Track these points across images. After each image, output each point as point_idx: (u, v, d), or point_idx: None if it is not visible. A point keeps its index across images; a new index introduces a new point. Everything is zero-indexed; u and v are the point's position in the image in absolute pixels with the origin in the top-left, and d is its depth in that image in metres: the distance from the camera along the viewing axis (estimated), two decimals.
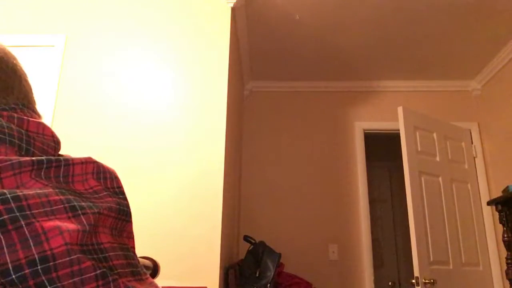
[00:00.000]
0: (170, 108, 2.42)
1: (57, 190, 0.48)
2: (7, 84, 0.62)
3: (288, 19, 2.99)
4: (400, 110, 3.10)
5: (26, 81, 0.68)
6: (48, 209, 0.46)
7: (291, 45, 3.32)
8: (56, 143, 0.61)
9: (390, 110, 3.77)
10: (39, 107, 2.45)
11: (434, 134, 3.27)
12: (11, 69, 0.64)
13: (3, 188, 0.46)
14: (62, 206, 0.47)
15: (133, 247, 0.57)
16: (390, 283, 4.60)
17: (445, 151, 3.32)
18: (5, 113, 0.56)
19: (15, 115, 0.57)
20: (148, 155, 2.34)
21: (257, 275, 2.43)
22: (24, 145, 0.54)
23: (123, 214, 0.56)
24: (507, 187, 2.52)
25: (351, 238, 3.48)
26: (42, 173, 0.50)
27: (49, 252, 0.42)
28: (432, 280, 2.72)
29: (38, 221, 0.44)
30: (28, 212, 0.44)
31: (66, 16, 2.65)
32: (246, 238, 2.67)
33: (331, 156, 3.70)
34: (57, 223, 0.45)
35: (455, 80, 3.78)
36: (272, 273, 2.42)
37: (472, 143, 3.58)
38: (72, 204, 0.48)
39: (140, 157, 2.33)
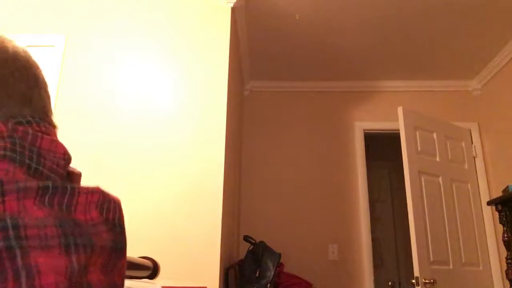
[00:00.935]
0: (170, 108, 2.42)
1: (57, 222, 0.48)
2: (26, 95, 0.61)
3: (288, 19, 2.99)
4: (400, 110, 3.10)
5: (46, 91, 0.67)
6: (44, 242, 0.45)
7: (291, 45, 3.32)
8: (67, 161, 0.60)
9: (390, 110, 3.77)
10: None
11: (434, 134, 3.27)
12: (32, 80, 0.63)
13: (4, 210, 0.46)
14: (58, 241, 0.47)
15: (123, 285, 0.57)
16: (390, 283, 4.59)
17: (445, 151, 3.32)
18: (20, 128, 0.56)
19: (30, 130, 0.57)
20: (148, 155, 2.34)
21: (257, 275, 2.43)
22: (33, 165, 0.53)
23: (117, 251, 0.56)
24: (507, 187, 2.52)
25: (351, 238, 3.48)
26: (46, 200, 0.50)
27: None
28: (432, 280, 2.72)
29: (33, 254, 0.43)
30: (24, 242, 0.44)
31: (66, 16, 2.65)
32: (246, 238, 2.67)
33: (331, 156, 3.70)
34: (50, 259, 0.45)
35: (455, 80, 3.78)
36: (272, 273, 2.42)
37: (472, 143, 3.58)
38: (68, 241, 0.48)
39: (140, 157, 2.33)
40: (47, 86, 0.68)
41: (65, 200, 0.52)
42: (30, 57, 0.66)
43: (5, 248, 0.42)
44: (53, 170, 0.56)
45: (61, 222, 0.49)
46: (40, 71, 0.67)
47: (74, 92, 2.48)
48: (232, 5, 2.64)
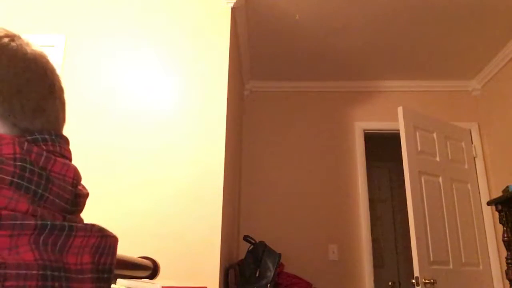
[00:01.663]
0: (170, 108, 2.42)
1: (41, 271, 0.48)
2: (40, 106, 0.60)
3: (288, 19, 2.99)
4: (400, 110, 3.10)
5: (61, 99, 0.65)
6: None
7: (291, 45, 3.32)
8: (75, 186, 0.59)
9: (390, 110, 3.77)
10: None
11: (434, 134, 3.27)
12: (48, 88, 0.62)
13: None
14: None
15: None
16: (390, 283, 4.60)
17: (445, 151, 3.32)
18: (35, 149, 0.55)
19: (44, 153, 0.56)
20: (148, 155, 2.34)
21: (257, 275, 2.43)
22: (40, 191, 0.53)
23: None
24: (507, 187, 2.52)
25: (351, 238, 3.48)
26: (41, 239, 0.49)
27: None
28: (432, 280, 2.72)
29: None
30: None
31: (66, 16, 2.65)
32: (246, 238, 2.67)
33: (331, 156, 3.70)
34: None
35: (455, 80, 3.78)
36: (272, 273, 2.42)
37: (472, 143, 3.58)
38: None
39: (140, 157, 2.33)
40: (63, 93, 0.66)
41: (60, 241, 0.51)
42: (48, 61, 0.63)
43: None
44: (59, 196, 0.56)
45: (46, 271, 0.48)
46: (58, 76, 0.65)
47: (74, 92, 2.48)
48: (232, 5, 2.64)
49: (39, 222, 0.50)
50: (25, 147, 0.54)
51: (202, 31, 2.58)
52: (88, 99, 2.46)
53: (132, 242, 2.18)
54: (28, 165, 0.53)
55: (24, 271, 0.46)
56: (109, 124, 2.40)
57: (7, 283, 0.44)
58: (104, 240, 0.57)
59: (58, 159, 0.58)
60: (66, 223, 0.52)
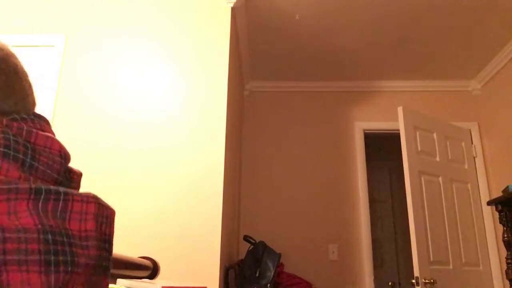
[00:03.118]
0: (170, 108, 2.42)
1: (42, 235, 0.47)
2: (8, 86, 0.61)
3: (288, 19, 2.99)
4: (400, 110, 3.10)
5: (27, 81, 0.67)
6: (23, 258, 0.44)
7: (291, 45, 3.32)
8: (63, 158, 0.59)
9: (390, 110, 3.77)
10: (39, 107, 2.45)
11: (434, 134, 3.27)
12: (12, 70, 0.63)
13: None
14: (38, 258, 0.46)
15: None
16: (390, 283, 4.59)
17: (445, 151, 3.32)
18: (15, 124, 0.55)
19: (25, 126, 0.56)
20: (148, 155, 2.34)
21: (257, 275, 2.43)
22: (28, 160, 0.53)
23: (101, 270, 0.55)
24: (507, 187, 2.52)
25: (351, 238, 3.48)
26: (40, 205, 0.49)
27: None
28: (432, 280, 2.72)
29: (7, 271, 0.43)
30: (1, 258, 0.43)
31: (66, 16, 2.65)
32: (246, 238, 2.67)
33: (331, 156, 3.70)
34: (26, 277, 0.44)
35: (455, 80, 3.78)
36: (272, 273, 2.42)
37: (472, 143, 3.58)
38: (49, 258, 0.47)
39: (140, 157, 2.33)
40: (28, 76, 0.67)
41: (59, 207, 0.51)
42: (6, 46, 0.65)
43: None
44: (49, 166, 0.56)
45: (48, 236, 0.47)
46: (19, 61, 0.66)
47: (74, 92, 2.48)
48: (232, 5, 2.64)
49: (33, 186, 0.49)
50: (4, 122, 0.54)
51: (202, 31, 2.58)
52: (88, 99, 2.46)
53: (132, 242, 2.18)
54: (11, 137, 0.53)
55: (24, 235, 0.45)
56: (109, 124, 2.40)
57: (8, 246, 0.44)
58: (102, 209, 0.57)
59: (40, 132, 0.58)
60: (60, 189, 0.52)
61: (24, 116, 0.59)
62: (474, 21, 2.98)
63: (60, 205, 0.51)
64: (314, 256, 3.44)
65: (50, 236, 0.48)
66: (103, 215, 0.57)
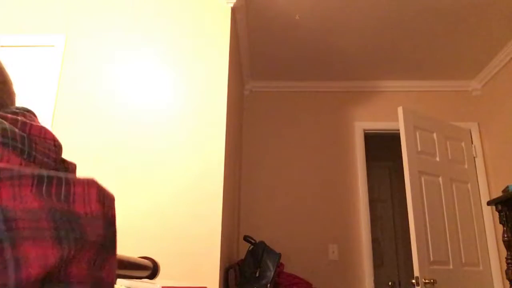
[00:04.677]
0: (170, 108, 2.42)
1: (51, 215, 0.48)
2: None
3: (288, 19, 2.99)
4: (400, 110, 3.10)
5: (6, 73, 0.68)
6: (36, 234, 0.45)
7: (291, 45, 3.32)
8: (57, 147, 0.60)
9: (390, 110, 3.77)
10: (39, 107, 2.45)
11: (434, 134, 3.27)
12: None
13: (0, 197, 0.46)
14: (50, 233, 0.47)
15: (113, 283, 0.56)
16: (390, 283, 4.60)
17: (445, 151, 3.32)
18: (9, 116, 0.56)
19: (19, 118, 0.57)
20: (148, 155, 2.34)
21: (257, 275, 2.43)
22: (26, 149, 0.54)
23: (108, 248, 0.55)
24: (507, 187, 2.52)
25: (351, 238, 3.48)
26: (44, 189, 0.49)
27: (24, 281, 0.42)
28: (432, 280, 2.72)
29: (23, 246, 0.43)
30: (15, 233, 0.43)
31: (66, 16, 2.65)
32: (246, 238, 2.67)
33: (331, 156, 3.70)
34: (41, 250, 0.45)
35: (455, 80, 3.78)
36: (272, 273, 2.42)
37: (472, 143, 3.58)
38: (60, 235, 0.47)
39: (140, 157, 2.33)
40: (4, 69, 0.69)
41: (63, 190, 0.51)
42: None
43: None
44: (46, 154, 0.57)
45: (56, 215, 0.48)
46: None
47: (74, 92, 2.48)
48: (232, 5, 2.64)
49: (35, 172, 0.50)
50: None
51: (202, 31, 2.58)
52: (88, 99, 2.46)
53: (132, 242, 2.18)
54: (7, 127, 0.53)
55: (32, 215, 0.46)
56: (109, 124, 2.40)
57: (19, 224, 0.44)
58: (103, 191, 0.57)
59: (34, 123, 0.59)
60: (61, 175, 0.53)
61: (15, 110, 0.60)
62: (474, 21, 2.98)
63: (63, 188, 0.52)
64: (314, 256, 3.44)
65: (58, 216, 0.49)
66: (106, 197, 0.58)
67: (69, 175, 0.53)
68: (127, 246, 2.16)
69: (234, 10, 2.73)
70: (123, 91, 2.47)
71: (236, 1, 2.64)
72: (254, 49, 3.40)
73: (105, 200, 0.57)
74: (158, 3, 2.66)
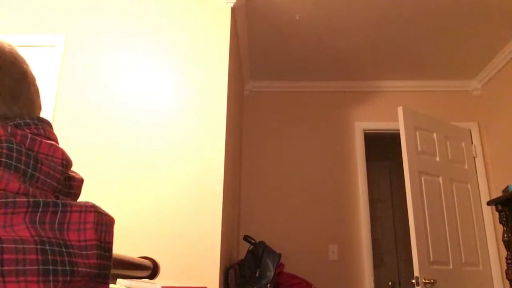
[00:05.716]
0: (170, 108, 2.42)
1: (40, 247, 0.47)
2: (15, 91, 0.61)
3: (288, 19, 2.99)
4: (400, 110, 3.10)
5: (35, 85, 0.66)
6: (21, 268, 0.44)
7: (291, 45, 3.32)
8: (65, 167, 0.59)
9: (390, 110, 3.77)
10: None
11: (434, 134, 3.27)
12: (20, 75, 0.63)
13: None
14: (36, 267, 0.46)
15: None
16: (390, 283, 4.60)
17: (445, 151, 3.32)
18: (19, 131, 0.55)
19: (29, 134, 0.56)
20: (148, 155, 2.34)
21: (257, 275, 2.43)
22: (29, 171, 0.53)
23: (99, 277, 0.54)
24: (507, 187, 2.52)
25: (351, 238, 3.48)
26: (37, 218, 0.49)
27: None
28: (432, 280, 2.72)
29: (4, 282, 0.43)
30: None
31: (66, 16, 2.65)
32: (246, 238, 2.67)
33: (331, 156, 3.70)
34: (24, 286, 0.44)
35: (455, 80, 3.78)
36: (272, 273, 2.42)
37: (472, 143, 3.58)
38: (47, 267, 0.47)
39: (140, 157, 2.33)
40: (36, 80, 0.67)
41: (57, 219, 0.51)
42: (15, 51, 0.65)
43: None
44: (50, 175, 0.56)
45: (45, 245, 0.47)
46: (28, 65, 0.66)
47: (74, 92, 2.48)
48: (232, 5, 2.64)
49: (31, 200, 0.49)
50: (9, 130, 0.54)
51: (202, 31, 2.58)
52: (88, 99, 2.46)
53: (132, 242, 2.18)
54: (14, 146, 0.53)
55: (21, 245, 0.45)
56: (109, 124, 2.40)
57: (6, 256, 0.44)
58: (101, 216, 0.57)
59: (44, 140, 0.58)
60: (59, 201, 0.52)
61: (27, 120, 0.59)
62: (474, 21, 2.98)
63: (58, 216, 0.51)
64: (314, 256, 3.44)
65: (48, 247, 0.48)
66: (103, 223, 0.57)
67: (68, 202, 0.53)
68: (127, 246, 2.16)
69: (234, 10, 2.73)
70: (123, 91, 2.47)
71: (236, 1, 2.64)
72: (254, 49, 3.40)
73: (102, 226, 0.56)
74: (158, 3, 2.66)
